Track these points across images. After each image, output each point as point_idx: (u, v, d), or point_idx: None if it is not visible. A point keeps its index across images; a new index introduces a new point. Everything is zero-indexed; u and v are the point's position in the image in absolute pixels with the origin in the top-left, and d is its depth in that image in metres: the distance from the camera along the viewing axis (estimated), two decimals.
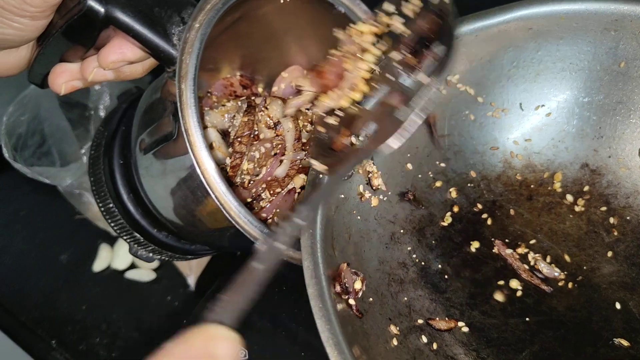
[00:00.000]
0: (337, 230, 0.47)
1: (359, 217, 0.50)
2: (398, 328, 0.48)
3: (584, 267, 0.55)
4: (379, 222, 0.52)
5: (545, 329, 0.52)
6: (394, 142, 0.42)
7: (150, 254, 0.64)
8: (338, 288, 0.45)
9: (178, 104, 0.46)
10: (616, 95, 0.56)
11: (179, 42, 0.48)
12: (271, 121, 0.57)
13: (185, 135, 0.46)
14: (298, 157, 0.56)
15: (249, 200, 0.55)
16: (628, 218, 0.56)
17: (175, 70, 0.47)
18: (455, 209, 0.57)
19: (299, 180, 0.55)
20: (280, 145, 0.56)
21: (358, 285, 0.47)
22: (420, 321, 0.50)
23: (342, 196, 0.49)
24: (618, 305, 0.52)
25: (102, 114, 0.79)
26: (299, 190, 0.56)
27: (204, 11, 0.49)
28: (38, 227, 0.83)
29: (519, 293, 0.53)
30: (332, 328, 0.40)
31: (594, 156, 0.58)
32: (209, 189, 0.46)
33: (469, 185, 0.58)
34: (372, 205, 0.52)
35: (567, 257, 0.55)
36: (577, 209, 0.58)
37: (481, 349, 0.50)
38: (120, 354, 0.73)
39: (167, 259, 0.65)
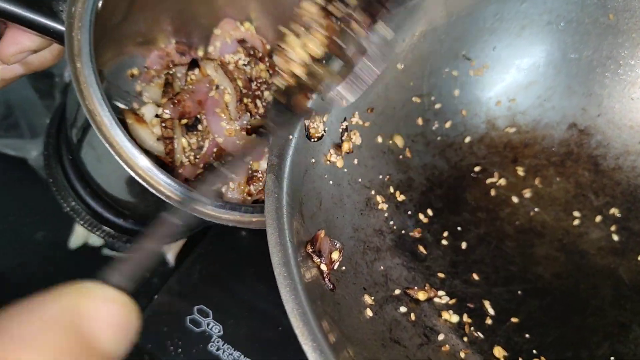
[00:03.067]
0: (307, 196, 0.44)
1: (331, 182, 0.47)
2: (373, 298, 0.45)
3: (572, 233, 0.52)
4: (353, 188, 0.49)
5: (530, 298, 0.49)
6: (350, 95, 0.38)
7: (128, 244, 0.63)
8: (310, 249, 0.42)
9: (75, 86, 0.43)
10: (605, 49, 0.53)
11: None
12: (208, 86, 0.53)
13: (89, 118, 0.43)
14: (245, 121, 0.53)
15: (200, 171, 0.52)
16: (618, 180, 0.53)
17: (65, 49, 0.44)
18: (436, 172, 0.54)
19: (254, 142, 0.52)
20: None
21: (335, 255, 0.44)
22: (397, 291, 0.47)
23: (313, 160, 0.46)
24: (607, 272, 0.50)
25: (67, 81, 0.75)
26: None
27: None
28: (10, 205, 0.80)
29: (502, 261, 0.51)
30: (297, 298, 0.37)
31: (582, 115, 0.55)
32: (125, 166, 0.43)
33: (449, 147, 0.55)
34: (344, 170, 0.48)
35: (553, 222, 0.52)
36: (564, 171, 0.55)
37: (462, 319, 0.47)
38: None
39: None
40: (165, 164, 0.53)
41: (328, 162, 0.47)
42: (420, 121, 0.54)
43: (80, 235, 0.79)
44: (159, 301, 0.63)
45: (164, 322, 0.61)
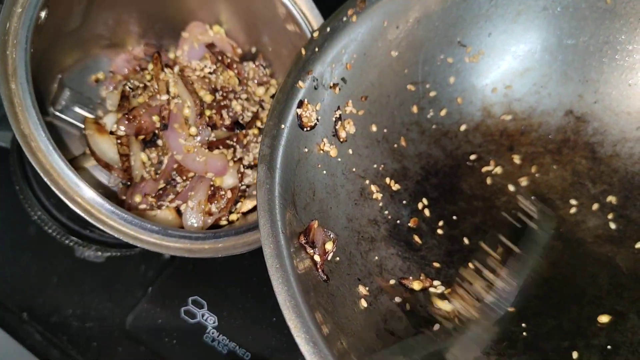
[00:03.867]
0: (299, 186, 0.44)
1: (324, 172, 0.46)
2: (368, 289, 0.45)
3: (569, 221, 0.52)
4: (347, 177, 0.48)
5: (527, 287, 0.49)
6: None
7: (99, 253, 0.61)
8: (303, 240, 0.41)
9: (7, 109, 0.41)
10: (602, 35, 0.52)
11: None
12: (165, 96, 0.52)
13: (22, 143, 0.41)
14: (206, 137, 0.52)
15: (161, 186, 0.51)
16: (615, 167, 0.53)
17: None
18: (431, 161, 0.53)
19: (215, 158, 0.51)
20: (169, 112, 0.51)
21: (329, 246, 0.43)
22: (392, 281, 0.47)
23: (306, 150, 0.45)
24: (604, 260, 0.49)
25: None
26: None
27: None
28: (2, 198, 0.80)
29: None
30: (289, 290, 0.37)
31: (578, 102, 0.54)
32: (62, 197, 0.42)
33: (445, 136, 0.54)
34: (338, 160, 0.48)
35: (550, 211, 0.52)
36: (561, 159, 0.54)
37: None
38: (94, 325, 0.70)
39: (115, 254, 0.61)
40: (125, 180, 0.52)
41: (321, 152, 0.47)
42: (415, 109, 0.53)
43: None
44: (154, 293, 0.62)
45: (159, 314, 0.61)
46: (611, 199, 0.52)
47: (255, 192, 0.42)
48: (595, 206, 0.52)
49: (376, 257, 0.47)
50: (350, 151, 0.49)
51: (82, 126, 0.52)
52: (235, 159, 0.53)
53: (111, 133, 0.50)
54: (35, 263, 0.74)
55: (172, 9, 0.57)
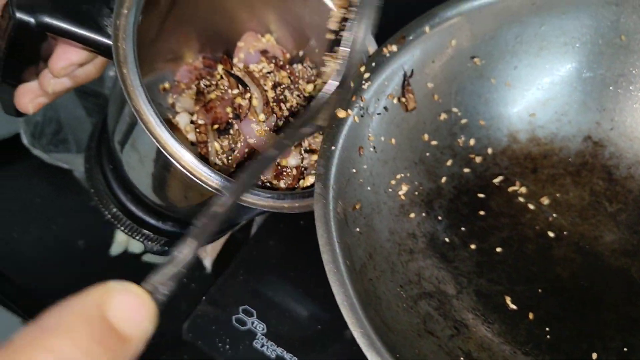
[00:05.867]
0: (349, 202, 0.50)
1: (368, 188, 0.52)
2: (408, 294, 0.50)
3: (587, 236, 0.57)
4: (388, 195, 0.54)
5: (549, 295, 0.54)
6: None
7: (166, 247, 0.67)
8: None
9: (123, 89, 0.47)
10: (617, 68, 0.58)
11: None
12: (235, 90, 0.58)
13: (137, 117, 0.47)
14: (273, 123, 0.58)
15: (233, 170, 0.57)
16: (630, 188, 0.58)
17: (113, 57, 0.48)
18: (462, 182, 0.59)
19: None
20: (244, 107, 0.57)
21: None
22: (429, 288, 0.52)
23: (354, 170, 0.51)
24: (620, 272, 0.54)
25: None
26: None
27: None
28: (54, 214, 0.85)
29: (524, 262, 0.55)
30: (346, 291, 0.43)
31: (596, 129, 0.59)
32: (170, 159, 0.48)
33: (475, 159, 0.60)
34: (381, 179, 0.53)
35: (570, 227, 0.57)
36: (580, 180, 0.59)
37: (488, 314, 0.52)
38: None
39: None
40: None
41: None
42: (448, 135, 0.59)
43: (120, 243, 0.84)
44: (207, 301, 0.68)
45: (213, 321, 0.66)
46: (626, 216, 0.57)
47: (314, 171, 0.50)
48: (611, 223, 0.57)
49: (415, 267, 0.53)
50: (393, 173, 0.55)
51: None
52: (295, 144, 0.59)
53: (192, 122, 0.57)
54: (83, 275, 0.79)
55: (228, 25, 0.64)
